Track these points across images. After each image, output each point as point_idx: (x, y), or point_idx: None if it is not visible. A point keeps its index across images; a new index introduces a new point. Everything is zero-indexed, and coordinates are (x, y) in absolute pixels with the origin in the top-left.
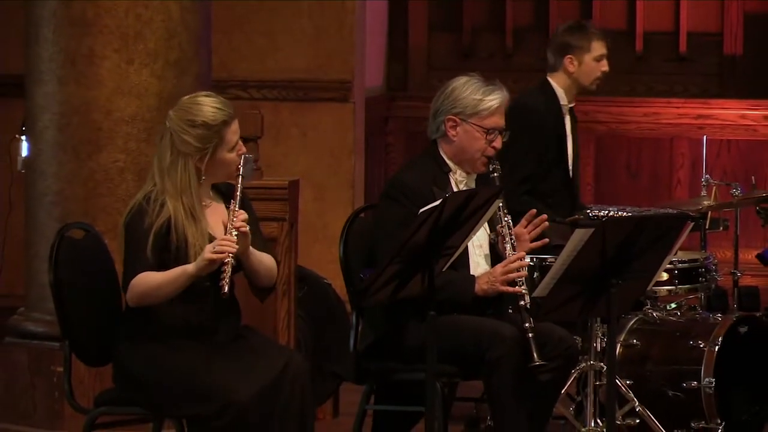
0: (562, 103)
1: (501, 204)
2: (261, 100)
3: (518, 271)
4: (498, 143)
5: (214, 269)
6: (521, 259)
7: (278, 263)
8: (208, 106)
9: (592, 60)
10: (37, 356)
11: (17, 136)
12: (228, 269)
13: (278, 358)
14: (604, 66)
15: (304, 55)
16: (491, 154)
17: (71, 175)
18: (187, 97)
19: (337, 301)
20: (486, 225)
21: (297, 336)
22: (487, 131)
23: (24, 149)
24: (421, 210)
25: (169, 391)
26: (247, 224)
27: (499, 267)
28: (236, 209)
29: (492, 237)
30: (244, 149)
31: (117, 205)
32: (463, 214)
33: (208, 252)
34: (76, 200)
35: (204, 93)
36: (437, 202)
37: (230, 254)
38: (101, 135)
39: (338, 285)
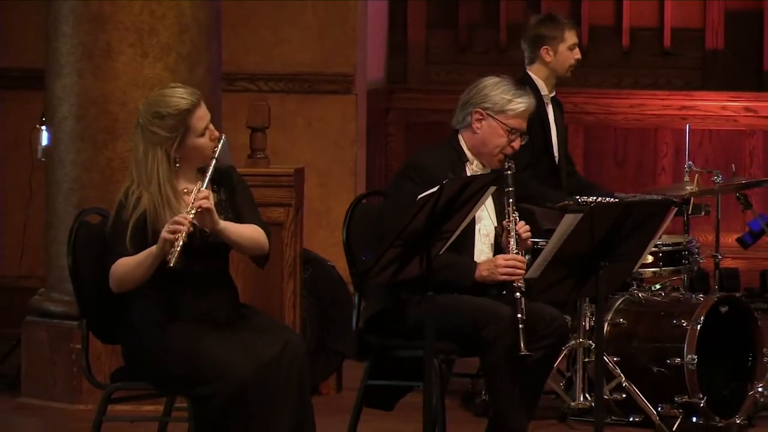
0: (543, 93)
1: (511, 200)
2: (268, 92)
3: (518, 269)
4: (517, 144)
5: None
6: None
7: (284, 247)
8: (171, 96)
9: (566, 49)
10: (57, 334)
11: (37, 126)
12: (177, 244)
13: (277, 337)
14: (577, 54)
15: (309, 49)
16: (509, 152)
17: (88, 163)
18: (155, 90)
19: (340, 282)
20: (494, 216)
21: (302, 315)
22: (510, 130)
23: (44, 139)
24: (419, 195)
25: (171, 372)
26: (210, 200)
27: (500, 258)
28: (201, 189)
29: (498, 229)
30: (216, 133)
31: None
32: (459, 200)
33: (164, 231)
34: (93, 187)
35: (172, 84)
36: (434, 189)
37: (183, 232)
38: (117, 125)
39: (341, 267)
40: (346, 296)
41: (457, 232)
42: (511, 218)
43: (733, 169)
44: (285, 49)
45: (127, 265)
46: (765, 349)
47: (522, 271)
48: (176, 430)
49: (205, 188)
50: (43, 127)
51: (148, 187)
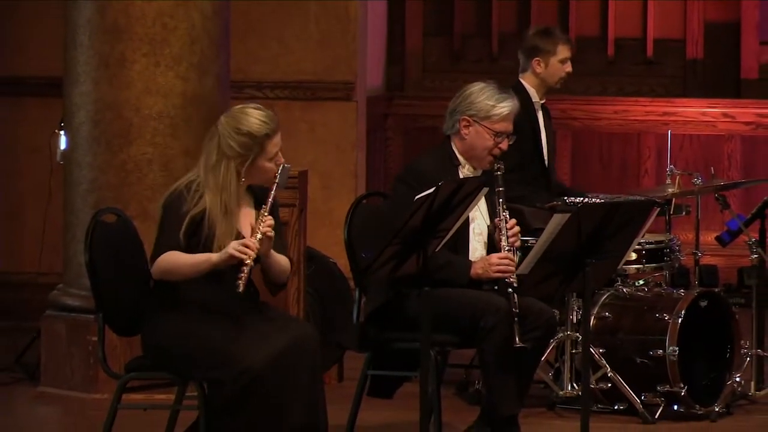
0: (534, 100)
1: (501, 200)
2: (274, 99)
3: (510, 266)
4: (504, 145)
5: (233, 264)
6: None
7: (289, 245)
8: (255, 118)
9: (558, 62)
10: (75, 327)
11: (56, 131)
12: (246, 270)
13: (291, 329)
14: (568, 67)
15: (312, 59)
16: (497, 154)
17: (104, 166)
18: (239, 106)
19: (341, 279)
20: (487, 216)
21: (306, 309)
22: (496, 134)
23: (62, 143)
24: (417, 196)
25: (191, 358)
26: (273, 230)
27: (494, 256)
28: (265, 214)
29: (490, 228)
30: (282, 160)
31: (146, 193)
32: (454, 200)
33: (231, 248)
34: (108, 188)
35: (254, 105)
36: (431, 190)
37: (251, 256)
38: (131, 130)
39: (343, 264)
40: (347, 291)
41: (452, 231)
42: (502, 216)
43: (712, 172)
44: (290, 58)
45: (178, 261)
46: (742, 342)
47: (514, 268)
48: (187, 417)
49: (268, 214)
50: (62, 132)
51: (215, 192)
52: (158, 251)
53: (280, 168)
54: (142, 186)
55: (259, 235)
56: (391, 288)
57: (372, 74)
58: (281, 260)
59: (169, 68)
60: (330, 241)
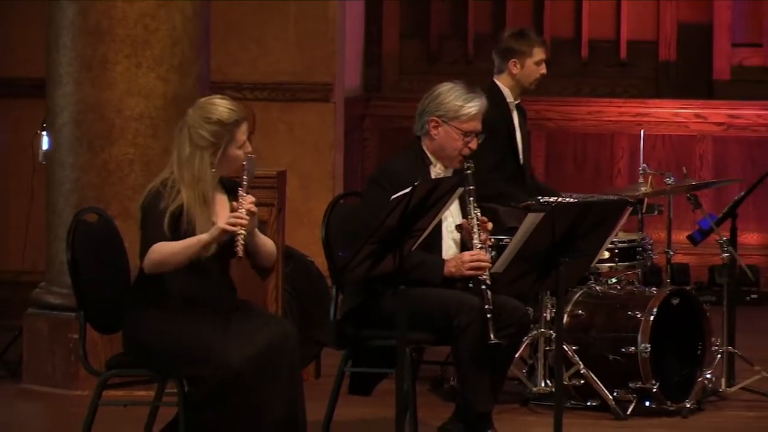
0: (508, 100)
1: (472, 198)
2: (253, 100)
3: (482, 264)
4: (473, 144)
5: (225, 239)
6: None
7: None
8: (223, 107)
9: (533, 64)
10: (56, 325)
11: (39, 131)
12: (241, 237)
13: (270, 326)
14: (543, 69)
15: (291, 61)
16: (467, 153)
17: (86, 166)
18: (204, 98)
19: (319, 277)
20: (459, 214)
21: (284, 307)
22: (465, 134)
23: (45, 143)
24: (393, 196)
25: (172, 355)
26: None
27: (466, 255)
28: (245, 194)
29: (459, 226)
30: (250, 148)
31: (127, 193)
32: (429, 200)
33: (223, 224)
34: (90, 188)
35: (218, 96)
36: (407, 190)
37: (242, 227)
38: (113, 131)
39: (320, 262)
40: (324, 289)
41: (428, 230)
42: (473, 215)
43: (684, 172)
44: (269, 60)
45: (169, 249)
46: (713, 339)
47: (487, 265)
48: (166, 413)
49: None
50: (44, 133)
51: (190, 185)
52: (146, 247)
53: (248, 157)
54: (123, 186)
55: (245, 211)
56: (367, 287)
57: (350, 76)
58: (267, 241)
59: (151, 70)
60: (309, 240)
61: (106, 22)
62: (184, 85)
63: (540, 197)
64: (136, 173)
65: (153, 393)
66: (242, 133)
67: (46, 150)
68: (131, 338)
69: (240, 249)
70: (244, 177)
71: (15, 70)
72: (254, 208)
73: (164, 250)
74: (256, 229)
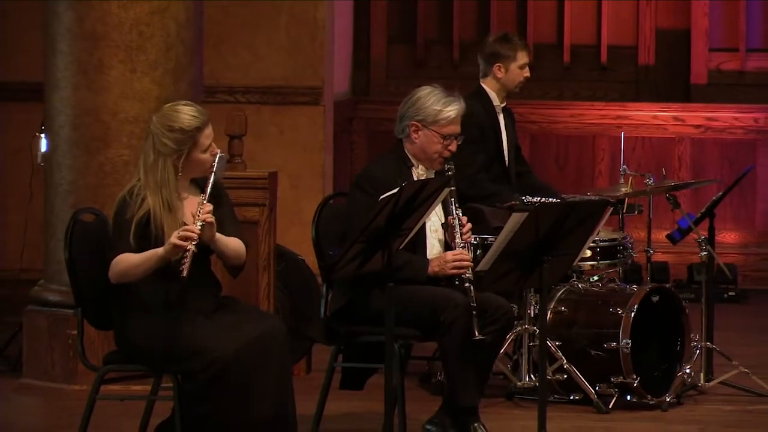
0: (495, 104)
1: (453, 199)
2: (245, 103)
3: (465, 262)
4: (453, 147)
5: (179, 253)
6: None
7: (260, 243)
8: (185, 114)
9: (517, 68)
10: (55, 322)
11: (37, 134)
12: (189, 255)
13: (258, 320)
14: (527, 72)
15: (282, 65)
16: (447, 155)
17: (83, 168)
18: (168, 104)
19: (310, 275)
20: (442, 214)
21: (276, 304)
22: (444, 137)
23: (43, 145)
24: (381, 197)
25: (162, 355)
26: (213, 215)
27: (449, 254)
28: (204, 202)
29: (443, 226)
30: (217, 150)
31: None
32: (416, 201)
33: (173, 237)
34: (87, 189)
35: (183, 102)
36: (395, 190)
37: (192, 241)
38: (109, 133)
39: (311, 261)
40: (315, 287)
41: (415, 230)
42: (455, 215)
43: (664, 173)
44: (260, 65)
45: (130, 261)
46: (692, 335)
47: (469, 263)
48: (162, 407)
49: (207, 202)
50: (42, 135)
51: (155, 191)
52: (111, 258)
53: (216, 157)
54: (118, 187)
55: (200, 223)
56: (356, 285)
57: (338, 80)
58: (230, 243)
59: (145, 74)
60: (300, 239)
61: (102, 28)
62: (178, 89)
63: (524, 197)
64: (131, 174)
65: (149, 387)
66: (206, 137)
67: (44, 152)
68: (121, 341)
69: (184, 268)
70: (209, 181)
71: (14, 75)
72: (211, 218)
73: (126, 262)
74: (218, 234)
